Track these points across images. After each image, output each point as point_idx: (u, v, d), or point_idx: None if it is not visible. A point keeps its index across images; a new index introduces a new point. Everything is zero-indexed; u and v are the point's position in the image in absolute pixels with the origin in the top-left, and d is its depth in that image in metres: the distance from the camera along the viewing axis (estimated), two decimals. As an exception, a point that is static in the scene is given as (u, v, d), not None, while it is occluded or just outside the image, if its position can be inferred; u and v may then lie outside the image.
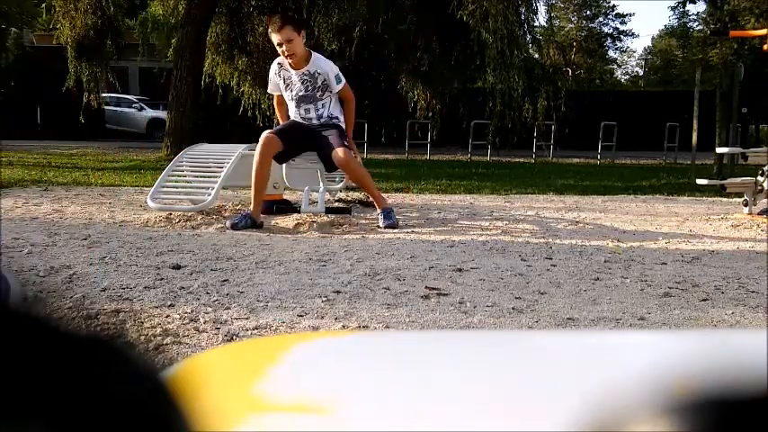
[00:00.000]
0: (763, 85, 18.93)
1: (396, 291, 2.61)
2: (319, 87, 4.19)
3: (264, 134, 4.17)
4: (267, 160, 4.15)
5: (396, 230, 4.09)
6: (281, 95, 4.37)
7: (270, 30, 4.14)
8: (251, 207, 4.17)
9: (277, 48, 4.11)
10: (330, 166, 4.27)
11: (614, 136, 13.70)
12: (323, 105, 4.25)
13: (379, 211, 4.24)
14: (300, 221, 4.32)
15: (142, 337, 2.02)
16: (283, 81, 4.26)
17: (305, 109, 4.25)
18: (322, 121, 4.26)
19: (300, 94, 4.20)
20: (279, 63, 4.26)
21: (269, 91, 4.52)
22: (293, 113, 4.34)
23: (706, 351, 0.44)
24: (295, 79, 4.18)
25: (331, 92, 4.24)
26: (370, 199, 5.53)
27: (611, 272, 3.06)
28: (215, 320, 2.20)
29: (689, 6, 32.55)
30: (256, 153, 4.14)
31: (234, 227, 3.96)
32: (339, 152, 4.11)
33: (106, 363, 0.21)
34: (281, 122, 4.33)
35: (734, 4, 21.63)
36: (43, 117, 18.61)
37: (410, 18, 11.22)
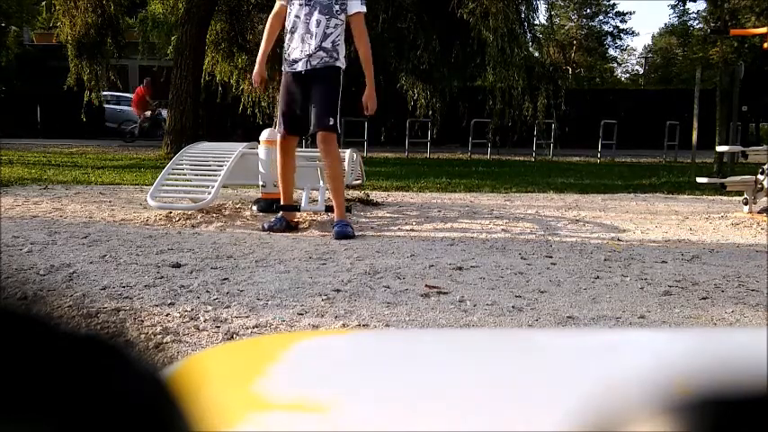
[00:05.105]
0: (763, 83, 18.91)
1: (396, 289, 2.61)
2: (337, 1, 3.86)
3: (279, 138, 4.08)
4: (290, 161, 4.14)
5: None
6: (284, 6, 3.96)
7: None
8: (283, 200, 4.16)
9: None
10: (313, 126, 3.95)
11: (614, 134, 13.68)
12: (334, 26, 3.85)
13: (336, 220, 3.97)
14: (300, 220, 4.33)
15: (142, 336, 2.02)
16: None
17: (316, 20, 3.81)
18: (323, 45, 3.83)
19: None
20: None
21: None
22: (296, 38, 3.88)
23: (706, 349, 0.44)
24: None
25: (346, 13, 3.88)
26: (371, 198, 5.54)
27: (611, 270, 3.06)
28: (215, 319, 2.20)
29: (689, 5, 32.48)
30: (279, 158, 4.10)
31: (270, 229, 4.00)
32: (323, 136, 3.86)
33: (106, 362, 0.21)
34: (265, 39, 3.98)
35: (734, 2, 21.62)
36: (43, 115, 18.59)
37: (410, 16, 11.22)
